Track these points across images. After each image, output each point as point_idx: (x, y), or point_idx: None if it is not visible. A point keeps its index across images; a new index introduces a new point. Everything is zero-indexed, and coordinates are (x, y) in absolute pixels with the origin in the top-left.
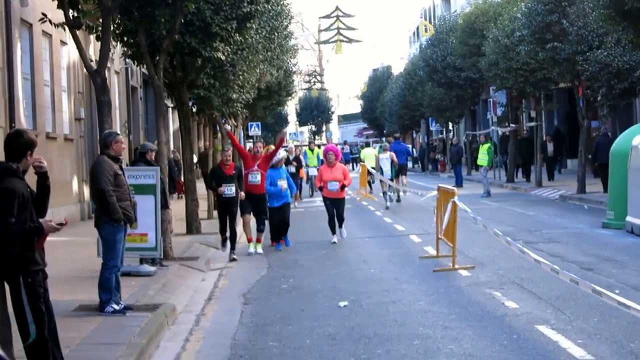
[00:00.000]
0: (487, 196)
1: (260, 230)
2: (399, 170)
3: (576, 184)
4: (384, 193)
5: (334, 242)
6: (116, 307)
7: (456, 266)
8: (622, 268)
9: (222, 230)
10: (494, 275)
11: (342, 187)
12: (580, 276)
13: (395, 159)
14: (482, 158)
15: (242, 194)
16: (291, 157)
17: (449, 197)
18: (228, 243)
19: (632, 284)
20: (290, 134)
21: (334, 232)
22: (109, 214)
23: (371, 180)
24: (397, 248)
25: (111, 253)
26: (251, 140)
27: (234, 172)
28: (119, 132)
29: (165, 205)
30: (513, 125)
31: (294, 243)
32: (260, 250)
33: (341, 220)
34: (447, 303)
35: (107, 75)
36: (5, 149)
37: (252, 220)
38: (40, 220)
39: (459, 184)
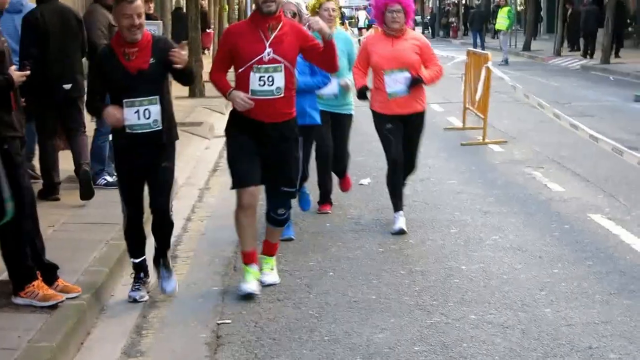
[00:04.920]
0: (504, 64)
1: (278, 221)
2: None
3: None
4: None
5: (401, 230)
6: (109, 179)
7: (486, 140)
8: None
9: (132, 228)
10: (529, 151)
11: (416, 81)
12: None
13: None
14: (502, 22)
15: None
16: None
17: (481, 63)
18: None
19: None
20: None
21: (399, 208)
22: None
23: None
24: None
25: None
26: None
27: (152, 61)
28: None
29: None
30: None
31: None
32: (274, 278)
33: (410, 170)
34: (482, 183)
35: None
36: None
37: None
38: None
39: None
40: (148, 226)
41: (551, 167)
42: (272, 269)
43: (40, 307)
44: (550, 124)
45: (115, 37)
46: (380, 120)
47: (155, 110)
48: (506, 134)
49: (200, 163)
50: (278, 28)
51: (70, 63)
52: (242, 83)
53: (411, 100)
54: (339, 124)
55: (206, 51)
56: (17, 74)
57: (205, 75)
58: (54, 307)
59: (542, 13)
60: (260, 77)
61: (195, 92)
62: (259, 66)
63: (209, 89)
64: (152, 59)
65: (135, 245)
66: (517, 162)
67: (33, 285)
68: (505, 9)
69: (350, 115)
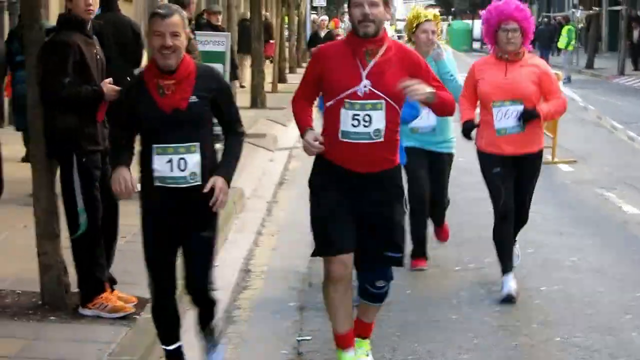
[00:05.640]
0: (567, 82)
1: (377, 295)
2: None
3: None
4: None
5: (510, 297)
6: None
7: (556, 159)
8: None
9: (160, 309)
10: (600, 172)
11: (530, 115)
12: None
13: None
14: (563, 40)
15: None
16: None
17: None
18: None
19: None
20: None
21: (508, 269)
22: None
23: None
24: None
25: None
26: (315, 13)
27: (193, 99)
28: None
29: (234, 76)
30: (596, 9)
31: None
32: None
33: (521, 222)
34: (555, 203)
35: None
36: None
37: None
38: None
39: None
40: None
41: (624, 188)
42: (367, 355)
43: (112, 318)
44: (618, 144)
45: (149, 65)
46: (487, 161)
47: (194, 160)
48: (575, 154)
49: (266, 175)
50: (380, 53)
51: (120, 73)
52: (331, 120)
53: (525, 138)
54: (438, 164)
55: (267, 62)
56: (109, 87)
57: (268, 86)
58: (124, 318)
59: (602, 31)
60: (355, 115)
61: (257, 102)
62: (353, 102)
63: (270, 99)
64: (193, 97)
65: (165, 329)
66: (588, 183)
67: (102, 297)
68: (566, 28)
69: (451, 155)
